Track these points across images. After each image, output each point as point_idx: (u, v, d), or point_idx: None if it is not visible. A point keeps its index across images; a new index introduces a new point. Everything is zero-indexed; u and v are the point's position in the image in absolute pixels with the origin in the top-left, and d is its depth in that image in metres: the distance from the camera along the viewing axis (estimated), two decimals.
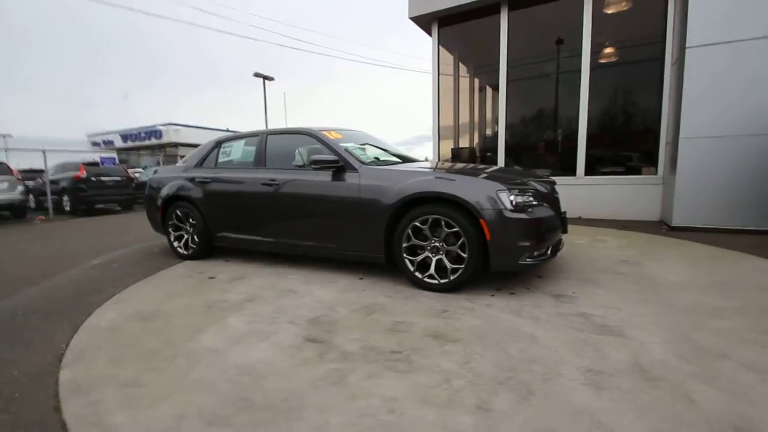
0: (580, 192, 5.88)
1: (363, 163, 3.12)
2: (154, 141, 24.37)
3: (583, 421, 1.40)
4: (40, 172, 10.08)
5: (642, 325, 2.17)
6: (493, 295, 2.70)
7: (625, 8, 5.75)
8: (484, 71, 8.13)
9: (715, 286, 2.77)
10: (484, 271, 2.71)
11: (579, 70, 5.84)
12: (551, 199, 2.92)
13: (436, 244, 2.77)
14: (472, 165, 3.69)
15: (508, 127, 6.57)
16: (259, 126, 34.73)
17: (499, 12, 6.33)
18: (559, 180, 3.84)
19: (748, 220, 4.32)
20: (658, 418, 1.41)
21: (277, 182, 3.37)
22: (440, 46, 7.00)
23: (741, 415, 1.41)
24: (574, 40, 5.89)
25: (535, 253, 2.64)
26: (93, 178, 9.65)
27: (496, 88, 7.25)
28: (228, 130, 29.78)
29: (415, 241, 2.82)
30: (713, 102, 4.36)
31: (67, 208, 9.76)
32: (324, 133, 3.39)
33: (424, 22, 6.99)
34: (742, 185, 4.31)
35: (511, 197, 2.59)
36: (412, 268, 2.85)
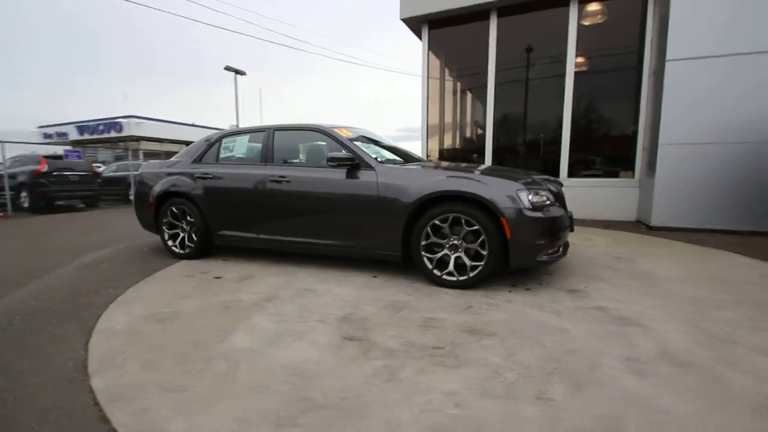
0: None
1: (378, 161, 3.12)
2: (113, 134, 22.92)
3: (640, 405, 1.48)
4: None
5: (655, 316, 2.32)
6: (510, 291, 2.78)
7: (600, 21, 6.07)
8: (465, 75, 8.33)
9: (707, 281, 3.00)
10: (503, 268, 2.79)
11: (562, 76, 6.12)
12: (561, 198, 3.06)
13: (455, 242, 2.82)
14: (485, 165, 3.78)
15: (495, 130, 6.77)
16: (230, 121, 33.56)
17: (488, 18, 6.50)
18: None
19: (722, 221, 4.70)
20: (701, 399, 1.52)
21: (287, 179, 3.30)
22: (431, 48, 7.09)
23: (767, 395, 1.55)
24: (558, 48, 6.16)
25: (551, 251, 2.75)
26: (55, 173, 8.96)
27: (476, 92, 7.45)
28: (194, 125, 28.63)
29: (434, 239, 2.86)
30: (691, 112, 4.71)
31: (26, 205, 9.00)
32: (336, 130, 3.36)
33: (414, 23, 7.05)
34: (715, 189, 4.69)
35: (530, 196, 2.68)
36: (430, 266, 2.88)
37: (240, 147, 3.72)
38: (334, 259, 3.64)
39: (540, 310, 2.43)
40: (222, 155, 3.77)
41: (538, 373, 1.72)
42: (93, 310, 2.52)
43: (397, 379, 1.68)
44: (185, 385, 1.64)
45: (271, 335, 2.13)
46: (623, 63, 6.10)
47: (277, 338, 2.09)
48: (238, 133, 3.80)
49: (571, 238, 4.69)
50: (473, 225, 2.73)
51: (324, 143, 3.84)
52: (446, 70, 8.19)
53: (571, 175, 6.22)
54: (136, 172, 4.20)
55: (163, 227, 3.92)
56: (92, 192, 9.84)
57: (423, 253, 2.89)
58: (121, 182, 11.15)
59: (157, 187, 3.90)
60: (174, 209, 3.84)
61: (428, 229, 2.85)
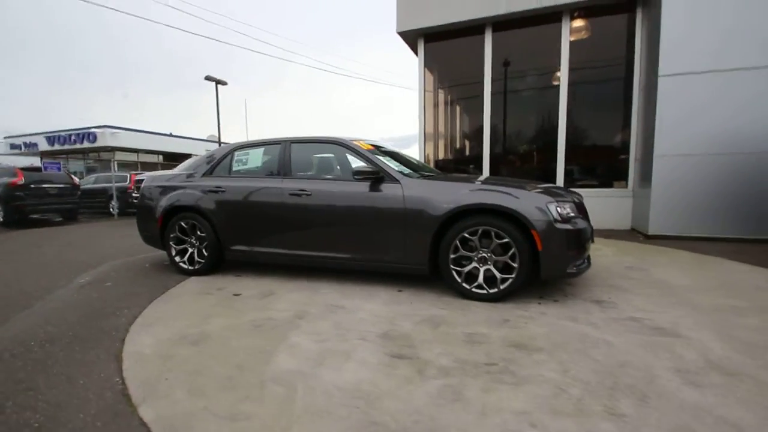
0: None
1: (403, 174, 3.11)
2: (86, 144, 22.02)
3: (708, 417, 1.51)
4: None
5: (687, 325, 2.39)
6: (539, 303, 2.80)
7: (589, 36, 6.33)
8: (460, 86, 8.48)
9: (719, 288, 3.12)
10: (533, 280, 2.82)
11: (556, 88, 6.33)
12: (583, 210, 3.12)
13: (484, 254, 2.83)
14: (502, 177, 3.81)
15: (491, 141, 6.90)
16: (210, 131, 33.03)
17: (484, 33, 6.68)
18: None
19: (714, 229, 4.92)
20: (760, 408, 1.56)
21: (307, 192, 3.24)
22: (426, 62, 7.20)
23: None
24: (552, 62, 6.38)
25: (578, 263, 2.80)
26: (33, 185, 8.48)
27: (470, 103, 7.60)
28: (172, 135, 27.89)
29: (462, 252, 2.86)
30: (682, 124, 4.94)
31: (0, 219, 8.46)
32: (356, 143, 3.33)
33: (410, 37, 7.16)
34: (706, 199, 4.92)
35: (559, 209, 2.73)
36: (459, 279, 2.87)
37: (254, 160, 3.64)
38: (353, 273, 3.58)
39: (575, 323, 2.46)
40: (235, 168, 3.67)
41: (600, 388, 1.72)
42: (114, 334, 2.37)
43: (464, 399, 1.65)
44: (246, 413, 1.56)
45: (316, 355, 2.05)
46: (614, 77, 6.36)
47: (323, 359, 2.02)
48: (251, 145, 3.71)
49: None
50: (503, 238, 2.74)
51: (332, 155, 3.82)
52: (441, 82, 8.34)
53: (566, 185, 6.39)
54: (141, 185, 4.02)
55: (170, 242, 3.76)
56: (72, 205, 9.36)
57: (452, 266, 2.88)
58: (101, 194, 10.69)
59: (165, 201, 3.75)
60: (183, 224, 3.70)
61: (457, 242, 2.85)
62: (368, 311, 2.70)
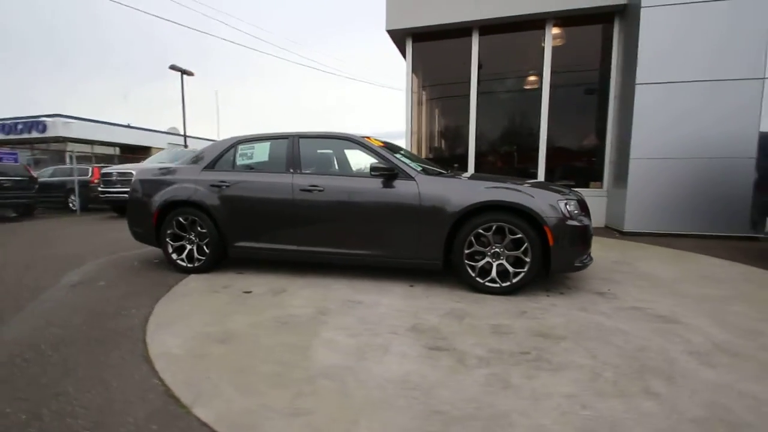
0: None
1: (417, 171, 3.15)
2: (35, 135, 20.29)
3: (731, 392, 1.68)
4: None
5: (685, 313, 2.61)
6: (548, 296, 2.95)
7: (568, 44, 6.67)
8: (440, 85, 8.64)
9: (701, 280, 3.43)
10: (544, 274, 2.96)
11: (538, 90, 6.62)
12: (585, 207, 3.31)
13: (497, 249, 2.94)
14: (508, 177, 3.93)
15: (477, 141, 7.10)
16: (172, 123, 31.48)
17: (470, 35, 6.85)
18: None
19: (685, 226, 5.36)
20: None
21: (320, 188, 3.21)
22: (413, 61, 7.28)
23: None
24: (535, 66, 6.66)
25: (583, 257, 2.97)
26: None
27: (454, 104, 7.78)
28: (130, 126, 26.32)
29: (477, 247, 2.95)
30: (658, 130, 5.34)
31: None
32: (367, 140, 3.34)
33: (399, 36, 7.21)
34: (677, 198, 5.35)
35: (568, 206, 2.89)
36: (473, 274, 2.97)
37: (260, 154, 3.54)
38: (361, 269, 3.59)
39: (586, 312, 2.62)
40: (239, 162, 3.56)
41: (629, 371, 1.86)
42: (130, 334, 2.25)
43: (513, 386, 1.73)
44: (306, 408, 1.55)
45: (354, 350, 2.06)
46: (592, 84, 6.75)
47: (363, 353, 2.03)
48: (255, 139, 3.61)
49: None
50: (516, 233, 2.87)
51: (329, 151, 3.82)
52: (426, 81, 8.46)
53: None
54: (133, 179, 3.81)
55: (167, 239, 3.59)
56: (29, 200, 8.61)
57: (466, 261, 2.97)
58: (59, 188, 9.92)
59: (161, 196, 3.57)
60: (181, 219, 3.54)
61: (471, 237, 2.94)
62: (388, 306, 2.73)
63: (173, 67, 18.75)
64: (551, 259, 2.84)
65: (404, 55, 7.48)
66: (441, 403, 1.60)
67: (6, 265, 4.05)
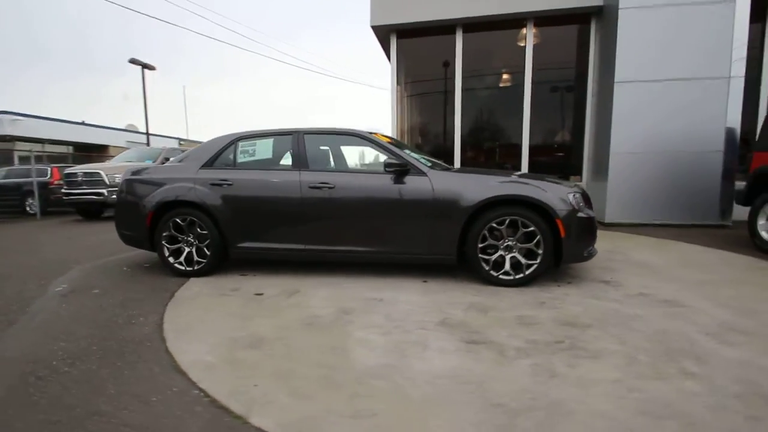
0: None
1: (428, 166, 3.15)
2: None
3: (754, 367, 1.80)
4: None
5: (686, 297, 2.77)
6: (558, 286, 3.05)
7: (547, 42, 6.89)
8: (423, 81, 8.70)
9: (688, 266, 3.65)
10: (555, 265, 3.05)
11: (520, 86, 6.81)
12: (588, 200, 3.44)
13: (509, 242, 3.00)
14: (517, 172, 3.99)
15: (462, 136, 7.21)
16: (129, 120, 29.88)
17: (455, 33, 6.93)
18: None
19: (661, 216, 5.69)
20: None
21: (330, 185, 3.13)
22: (397, 57, 7.26)
23: None
24: (517, 63, 6.84)
25: (590, 248, 3.09)
26: None
27: (432, 100, 7.86)
28: (84, 123, 24.67)
29: (490, 241, 3.00)
30: (635, 126, 5.63)
31: None
32: (375, 135, 3.30)
33: (383, 32, 7.17)
34: (655, 189, 5.67)
35: (576, 199, 2.99)
36: (487, 267, 3.01)
37: (263, 151, 3.41)
38: (370, 266, 3.52)
39: (600, 300, 2.73)
40: (240, 159, 3.41)
41: (660, 354, 1.95)
42: (148, 344, 2.11)
43: (560, 375, 1.77)
44: (368, 410, 1.51)
45: (392, 348, 2.04)
46: (571, 81, 7.02)
47: (402, 350, 2.01)
48: (256, 135, 3.47)
49: None
50: (528, 226, 2.93)
51: (333, 147, 3.75)
52: (409, 77, 8.47)
53: None
54: (121, 179, 3.57)
55: (163, 242, 3.39)
56: None
57: (480, 255, 3.01)
58: (15, 191, 9.12)
59: (155, 196, 3.36)
60: (178, 220, 3.35)
61: (485, 231, 2.98)
62: (408, 302, 2.72)
63: (133, 61, 17.72)
64: (563, 251, 2.93)
65: (387, 52, 7.46)
66: (497, 395, 1.61)
67: None
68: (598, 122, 6.42)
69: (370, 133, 3.33)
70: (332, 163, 3.66)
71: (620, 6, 5.46)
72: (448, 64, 7.20)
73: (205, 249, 3.35)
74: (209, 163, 3.42)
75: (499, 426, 1.43)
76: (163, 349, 2.04)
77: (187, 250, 3.41)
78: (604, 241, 4.83)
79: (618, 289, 2.97)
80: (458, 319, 2.41)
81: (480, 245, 3.00)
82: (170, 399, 1.60)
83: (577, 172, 6.94)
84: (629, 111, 5.63)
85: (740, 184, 5.45)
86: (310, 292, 2.98)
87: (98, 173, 7.74)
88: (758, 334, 2.16)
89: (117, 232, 3.63)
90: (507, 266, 2.99)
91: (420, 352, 1.99)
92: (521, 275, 2.98)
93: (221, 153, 3.44)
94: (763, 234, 4.07)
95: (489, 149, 7.65)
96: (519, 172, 3.55)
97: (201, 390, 1.66)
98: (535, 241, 2.94)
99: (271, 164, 3.40)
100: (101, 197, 7.65)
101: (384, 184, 3.11)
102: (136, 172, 3.56)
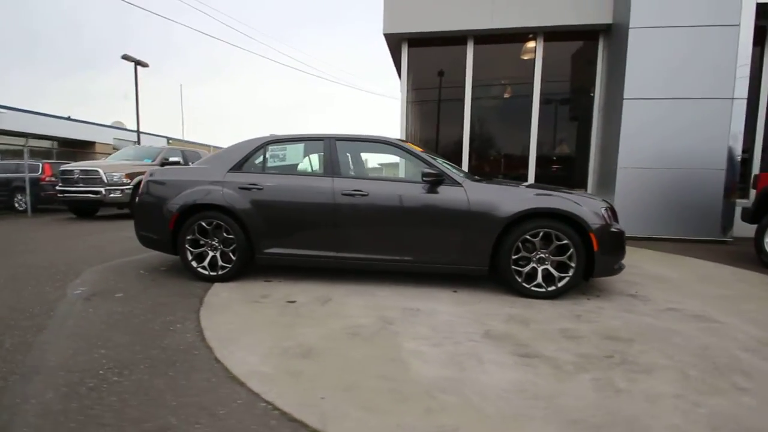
0: None
1: (462, 177, 3.17)
2: None
3: None
4: None
5: (714, 312, 2.84)
6: (589, 300, 3.09)
7: (555, 57, 7.05)
8: (427, 89, 8.76)
9: (703, 281, 3.76)
10: (584, 279, 3.09)
11: (528, 97, 6.93)
12: (615, 214, 3.50)
13: (542, 255, 3.03)
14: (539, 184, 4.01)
15: (470, 146, 7.28)
16: (115, 117, 29.20)
17: (466, 43, 7.02)
18: None
19: (665, 230, 5.85)
20: None
21: (364, 193, 3.11)
22: (408, 65, 7.31)
23: None
24: (526, 76, 6.97)
25: (620, 262, 3.15)
26: None
27: (436, 110, 7.93)
28: (70, 118, 23.95)
29: (523, 253, 3.02)
30: (642, 142, 5.79)
31: None
32: (409, 144, 3.30)
33: (395, 40, 7.21)
34: (659, 204, 5.83)
35: (607, 213, 3.04)
36: (519, 279, 3.03)
37: (293, 156, 3.37)
38: (397, 274, 3.50)
39: (634, 314, 2.77)
40: (270, 164, 3.36)
41: (709, 369, 1.99)
42: (196, 353, 2.04)
43: (624, 390, 1.78)
44: (449, 425, 1.49)
45: (448, 360, 2.03)
46: (578, 96, 7.18)
47: (458, 363, 2.00)
48: (287, 140, 3.42)
49: None
50: (562, 239, 2.97)
51: (356, 154, 3.74)
52: (418, 86, 8.52)
53: None
54: (144, 180, 3.47)
55: (186, 245, 3.30)
56: None
57: (513, 266, 3.03)
58: (4, 186, 8.77)
59: (181, 198, 3.28)
60: (203, 224, 3.27)
61: (519, 243, 3.01)
62: (447, 313, 2.71)
63: (126, 57, 17.36)
64: (595, 264, 2.98)
65: (397, 60, 7.51)
66: (572, 411, 1.61)
67: None
68: (604, 136, 6.58)
69: (403, 141, 3.33)
70: (363, 170, 3.65)
71: (631, 26, 5.64)
72: (459, 74, 7.28)
73: (231, 254, 3.28)
74: (238, 167, 3.36)
75: None
76: (213, 358, 1.98)
77: (210, 254, 3.33)
78: None
79: (647, 303, 3.03)
80: (501, 331, 2.41)
81: (514, 257, 3.02)
82: (238, 412, 1.55)
83: (582, 185, 7.08)
84: (637, 127, 5.79)
85: (740, 202, 5.67)
86: (342, 300, 2.94)
87: (96, 171, 7.51)
88: None
89: (136, 234, 3.53)
90: (539, 278, 3.02)
91: (477, 365, 1.98)
92: (553, 288, 3.01)
93: (250, 156, 3.38)
94: None
95: (494, 159, 7.74)
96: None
97: (268, 402, 1.61)
98: (568, 254, 2.98)
99: (303, 170, 3.36)
100: (98, 196, 7.42)
101: (418, 193, 3.11)
102: (159, 174, 3.46)
